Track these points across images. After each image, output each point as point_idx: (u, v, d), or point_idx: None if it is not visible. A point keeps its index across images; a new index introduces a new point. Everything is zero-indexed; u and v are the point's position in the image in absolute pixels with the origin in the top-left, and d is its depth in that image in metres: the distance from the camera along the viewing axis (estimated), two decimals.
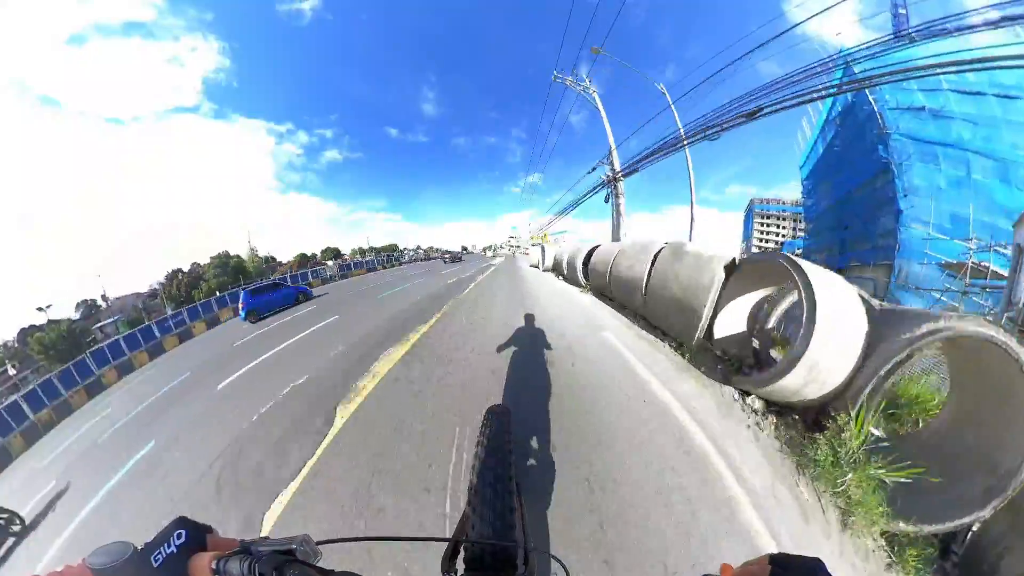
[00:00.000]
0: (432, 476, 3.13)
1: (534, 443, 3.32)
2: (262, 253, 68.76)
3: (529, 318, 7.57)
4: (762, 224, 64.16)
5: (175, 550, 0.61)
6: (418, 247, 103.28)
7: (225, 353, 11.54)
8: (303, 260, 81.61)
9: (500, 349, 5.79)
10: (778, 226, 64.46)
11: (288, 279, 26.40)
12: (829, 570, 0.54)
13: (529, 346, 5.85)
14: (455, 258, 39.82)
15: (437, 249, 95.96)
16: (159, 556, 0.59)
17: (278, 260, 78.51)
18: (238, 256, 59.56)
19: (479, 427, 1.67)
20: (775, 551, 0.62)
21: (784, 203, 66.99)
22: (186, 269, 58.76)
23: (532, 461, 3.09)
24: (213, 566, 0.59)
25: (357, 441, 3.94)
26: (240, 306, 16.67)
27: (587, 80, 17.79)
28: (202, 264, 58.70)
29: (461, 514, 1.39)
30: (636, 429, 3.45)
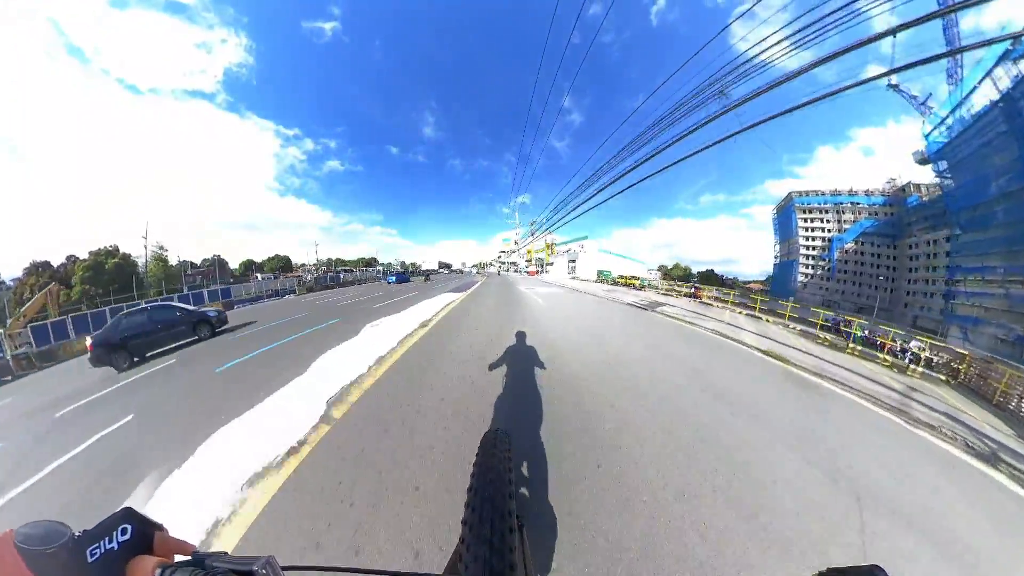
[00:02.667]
0: None
1: None
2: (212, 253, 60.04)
3: None
4: (806, 220, 58.91)
5: (116, 547, 0.53)
6: (401, 262, 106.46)
7: None
8: (249, 267, 76.15)
9: None
10: (822, 220, 59.24)
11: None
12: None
13: None
14: (454, 271, 53.13)
15: (405, 265, 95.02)
16: (96, 551, 0.51)
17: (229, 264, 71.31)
18: (125, 256, 45.39)
19: (476, 453, 1.41)
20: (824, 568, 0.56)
21: (823, 193, 61.84)
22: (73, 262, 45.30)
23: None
24: (156, 574, 0.51)
25: None
26: (393, 277, 36.65)
27: None
28: (84, 259, 44.49)
29: (452, 551, 1.07)
30: None
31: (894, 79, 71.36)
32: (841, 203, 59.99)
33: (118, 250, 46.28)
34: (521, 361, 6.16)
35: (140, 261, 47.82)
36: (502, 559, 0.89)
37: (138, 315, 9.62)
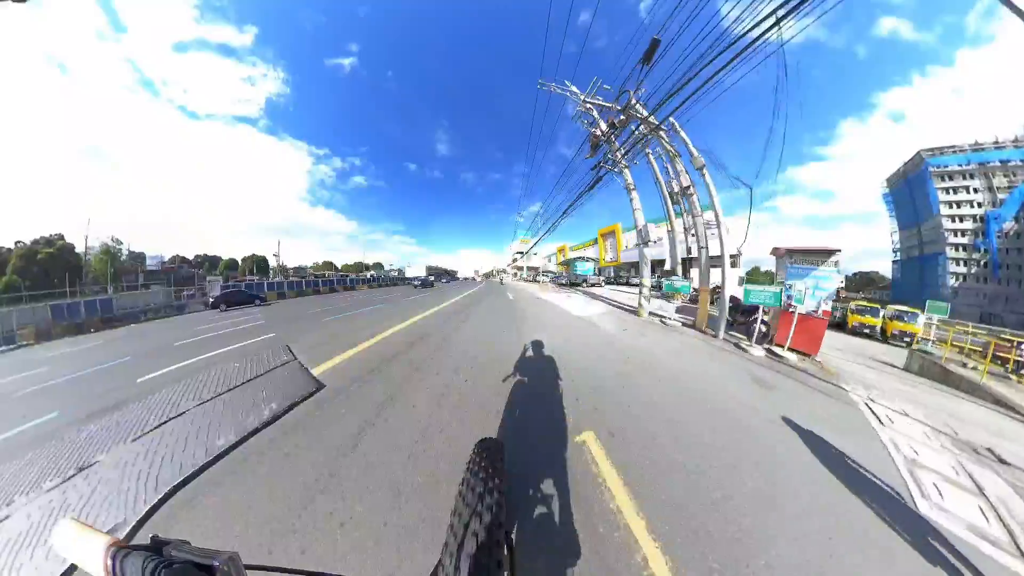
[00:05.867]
0: None
1: None
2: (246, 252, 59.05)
3: None
4: (950, 191, 40.48)
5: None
6: (406, 266, 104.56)
7: None
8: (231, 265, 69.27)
9: None
10: (968, 189, 40.80)
11: None
12: None
13: None
14: (425, 284, 46.45)
15: (385, 269, 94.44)
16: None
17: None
18: (62, 248, 41.54)
19: (466, 463, 1.41)
20: None
21: (961, 151, 42.79)
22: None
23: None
24: (110, 554, 0.51)
25: None
26: (431, 280, 52.45)
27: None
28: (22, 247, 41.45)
29: (435, 565, 1.00)
30: None
31: None
32: (988, 162, 41.40)
33: (61, 239, 42.71)
34: None
35: (110, 253, 45.41)
36: (488, 574, 0.84)
37: (429, 276, 64.67)
